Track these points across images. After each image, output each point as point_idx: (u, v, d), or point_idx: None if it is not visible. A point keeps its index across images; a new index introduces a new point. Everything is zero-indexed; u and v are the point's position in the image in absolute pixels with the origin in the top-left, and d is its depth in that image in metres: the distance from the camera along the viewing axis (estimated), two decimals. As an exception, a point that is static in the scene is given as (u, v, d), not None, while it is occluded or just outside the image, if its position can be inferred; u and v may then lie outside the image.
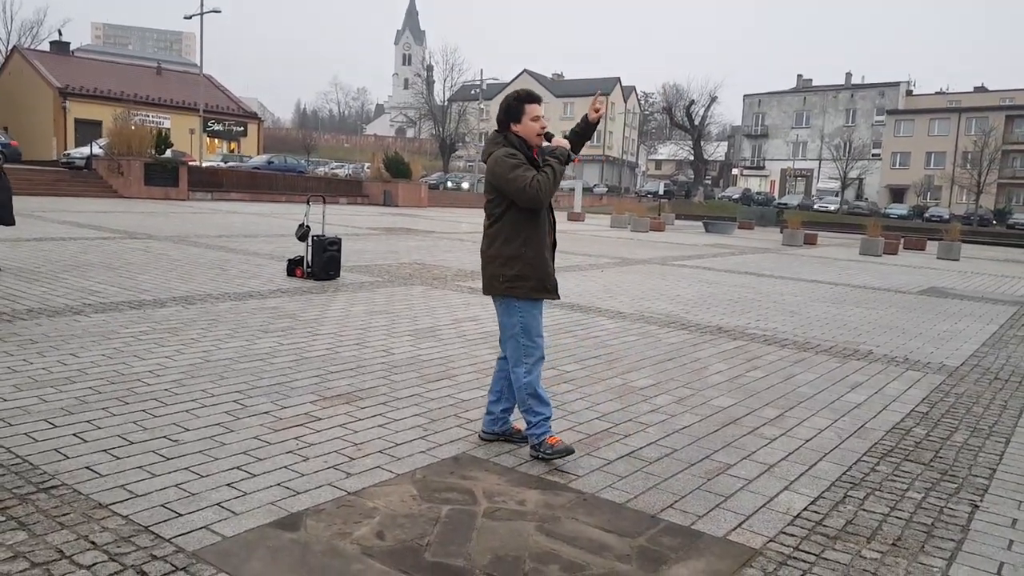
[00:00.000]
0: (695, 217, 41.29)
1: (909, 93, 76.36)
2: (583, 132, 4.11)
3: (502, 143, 3.86)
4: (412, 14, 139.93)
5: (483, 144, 4.19)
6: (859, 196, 69.36)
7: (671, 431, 4.54)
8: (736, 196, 63.42)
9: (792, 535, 3.25)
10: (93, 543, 2.81)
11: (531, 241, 3.83)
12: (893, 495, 3.77)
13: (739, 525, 3.31)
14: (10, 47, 58.45)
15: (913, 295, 12.40)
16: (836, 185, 67.21)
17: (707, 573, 2.86)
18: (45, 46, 54.94)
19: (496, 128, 4.00)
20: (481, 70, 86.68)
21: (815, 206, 59.43)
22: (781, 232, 27.29)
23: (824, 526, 3.36)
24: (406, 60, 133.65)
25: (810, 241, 25.26)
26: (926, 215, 54.32)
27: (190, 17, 41.21)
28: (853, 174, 65.17)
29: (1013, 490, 3.94)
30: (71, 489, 3.26)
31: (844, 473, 4.03)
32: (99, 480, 3.37)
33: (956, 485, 3.96)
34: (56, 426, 4.00)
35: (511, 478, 3.66)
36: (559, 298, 4.08)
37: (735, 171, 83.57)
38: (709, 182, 75.14)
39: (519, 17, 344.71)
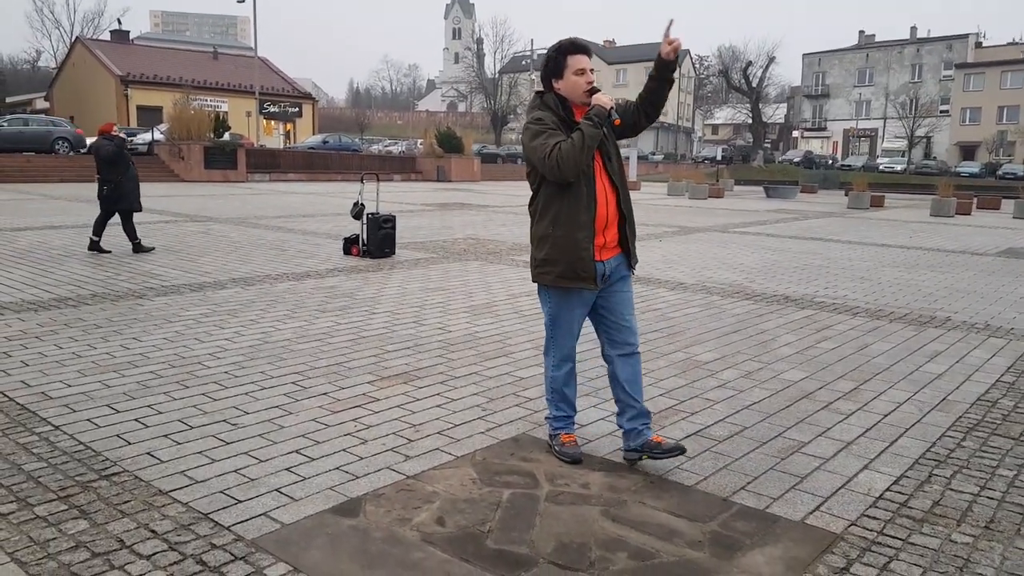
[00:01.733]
0: (755, 182, 40.25)
1: (979, 45, 72.77)
2: (660, 74, 3.30)
3: (537, 106, 3.39)
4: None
5: None
6: (927, 155, 66.72)
7: (740, 407, 4.35)
8: (797, 159, 61.69)
9: (875, 518, 3.05)
10: (153, 532, 2.79)
11: (560, 219, 3.30)
12: (983, 473, 3.53)
13: (817, 508, 3.13)
14: (73, 38, 60.05)
15: (991, 257, 11.82)
16: (902, 144, 64.76)
17: (785, 560, 2.70)
18: (106, 36, 56.29)
19: (538, 90, 3.49)
20: (532, 40, 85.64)
21: (880, 167, 57.42)
22: (846, 195, 26.40)
23: (909, 508, 3.15)
24: (456, 34, 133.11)
25: (876, 203, 24.37)
26: (999, 172, 51.97)
27: (242, 1, 41.59)
28: (920, 132, 62.66)
29: (1116, 466, 3.65)
30: (132, 476, 3.25)
31: (928, 450, 3.80)
32: (160, 466, 3.36)
33: (1052, 461, 3.70)
34: (118, 411, 4.01)
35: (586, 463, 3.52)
36: (597, 287, 3.39)
37: (795, 133, 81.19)
38: (769, 145, 73.21)
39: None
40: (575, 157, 3.15)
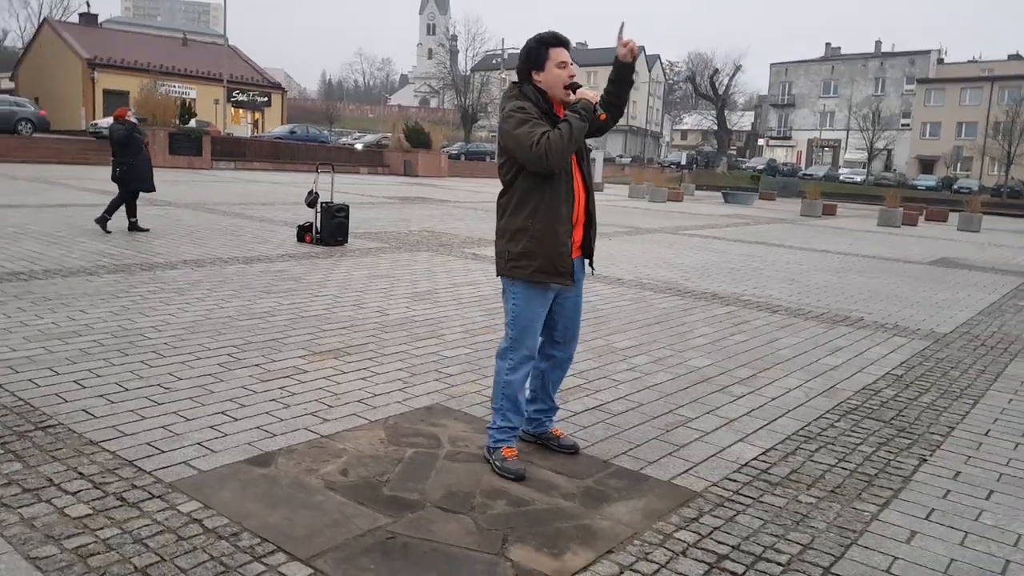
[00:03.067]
0: (717, 188, 41.03)
1: (940, 61, 74.64)
2: (618, 77, 3.37)
3: (515, 95, 3.30)
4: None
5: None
6: (887, 167, 68.27)
7: (642, 388, 4.73)
8: (760, 167, 62.78)
9: (735, 481, 3.44)
10: (80, 474, 3.08)
11: (540, 212, 3.23)
12: (844, 448, 3.94)
13: (685, 471, 3.51)
14: (41, 19, 59.15)
15: (922, 265, 12.40)
16: (864, 156, 66.18)
17: (644, 511, 3.07)
18: (75, 19, 55.53)
19: (515, 80, 3.42)
20: (503, 39, 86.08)
21: (841, 177, 58.68)
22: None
23: (769, 474, 3.55)
24: (430, 30, 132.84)
25: (829, 212, 25.12)
26: (955, 187, 53.45)
27: (214, -14, 41.34)
28: (880, 144, 64.10)
29: (966, 446, 4.09)
30: (66, 428, 3.53)
31: (802, 428, 4.21)
32: (93, 421, 3.64)
33: (911, 441, 4.12)
34: (59, 374, 4.28)
35: (478, 426, 3.87)
36: (571, 283, 3.37)
37: (761, 141, 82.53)
38: (734, 152, 74.39)
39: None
40: (563, 148, 3.11)
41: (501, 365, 3.43)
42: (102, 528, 2.68)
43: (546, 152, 3.08)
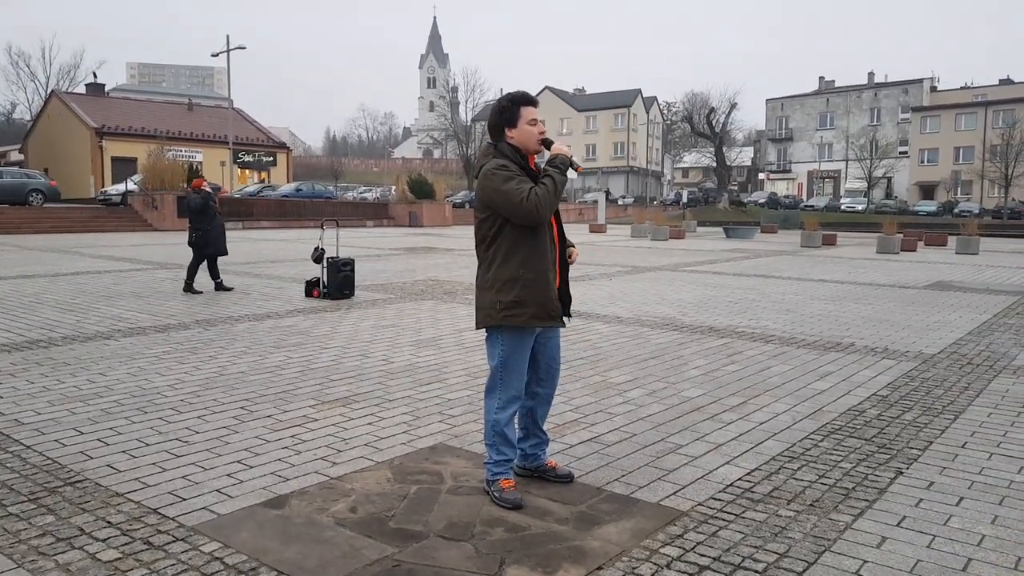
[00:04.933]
0: (718, 223, 41.44)
1: (934, 89, 75.71)
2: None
3: (492, 154, 3.55)
4: (435, 37, 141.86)
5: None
6: (888, 195, 68.75)
7: (635, 419, 4.96)
8: (762, 200, 63.29)
9: (720, 500, 3.66)
10: (109, 522, 3.33)
11: (530, 262, 3.46)
12: (825, 465, 4.15)
13: (674, 493, 3.73)
14: (48, 92, 60.73)
15: (917, 290, 12.62)
16: (864, 185, 66.73)
17: (633, 531, 3.29)
18: (82, 89, 57.04)
19: (489, 138, 3.67)
20: (501, 89, 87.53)
21: (842, 207, 59.10)
22: (803, 234, 27.40)
23: (752, 492, 3.77)
24: (431, 83, 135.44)
25: (828, 242, 25.39)
26: (956, 211, 53.77)
27: (217, 55, 42.59)
28: (879, 173, 64.67)
29: (941, 459, 4.29)
30: (93, 482, 3.79)
31: (786, 449, 4.42)
32: (117, 475, 3.90)
33: (889, 456, 4.33)
34: (83, 433, 4.55)
35: (478, 461, 4.10)
36: (564, 325, 3.69)
37: (761, 175, 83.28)
38: (736, 188, 75.06)
39: (541, 32, 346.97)
40: (550, 201, 3.37)
41: (490, 404, 3.65)
42: (132, 569, 2.93)
43: (536, 207, 3.33)
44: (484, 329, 3.66)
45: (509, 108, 3.55)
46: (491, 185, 3.44)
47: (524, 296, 3.46)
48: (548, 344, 3.75)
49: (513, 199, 3.35)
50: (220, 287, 11.16)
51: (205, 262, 11.22)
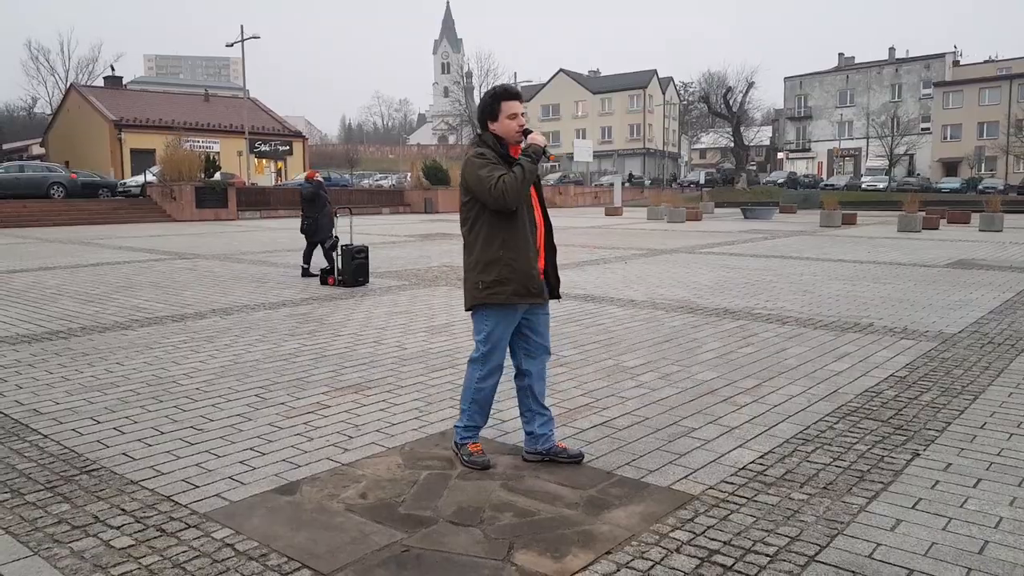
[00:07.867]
0: (737, 204, 41.06)
1: (956, 63, 74.32)
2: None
3: (478, 143, 3.80)
4: (448, 23, 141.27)
5: None
6: (910, 172, 67.81)
7: (648, 403, 4.94)
8: (781, 180, 62.65)
9: (732, 483, 3.63)
10: (123, 510, 3.37)
11: (510, 243, 3.68)
12: (840, 448, 4.11)
13: (685, 477, 3.71)
14: (68, 85, 61.21)
15: (938, 268, 12.45)
16: (885, 163, 65.87)
17: (643, 515, 3.28)
18: (100, 82, 57.46)
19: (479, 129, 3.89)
20: (515, 73, 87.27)
21: (863, 185, 58.38)
22: (822, 214, 27.11)
23: (764, 475, 3.74)
24: (445, 69, 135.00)
25: (849, 221, 25.10)
26: (980, 187, 52.96)
27: (231, 45, 42.67)
28: (900, 150, 63.73)
29: (959, 440, 4.24)
30: (108, 471, 3.83)
31: (800, 431, 4.38)
32: (132, 463, 3.94)
33: (906, 438, 4.28)
34: (99, 422, 4.60)
35: (489, 447, 4.10)
36: (545, 301, 3.85)
37: (780, 155, 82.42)
38: (754, 168, 74.38)
39: (556, 14, 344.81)
40: (517, 188, 3.56)
41: (472, 372, 3.87)
42: (144, 556, 2.96)
43: (503, 193, 3.55)
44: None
45: (490, 103, 3.77)
46: (469, 171, 3.70)
47: (505, 275, 3.67)
48: (536, 321, 3.88)
49: (484, 185, 3.59)
50: (306, 273, 11.61)
51: (321, 248, 11.60)
